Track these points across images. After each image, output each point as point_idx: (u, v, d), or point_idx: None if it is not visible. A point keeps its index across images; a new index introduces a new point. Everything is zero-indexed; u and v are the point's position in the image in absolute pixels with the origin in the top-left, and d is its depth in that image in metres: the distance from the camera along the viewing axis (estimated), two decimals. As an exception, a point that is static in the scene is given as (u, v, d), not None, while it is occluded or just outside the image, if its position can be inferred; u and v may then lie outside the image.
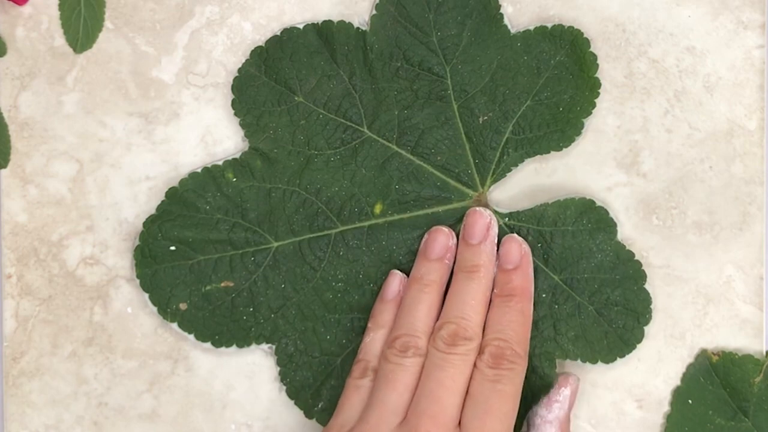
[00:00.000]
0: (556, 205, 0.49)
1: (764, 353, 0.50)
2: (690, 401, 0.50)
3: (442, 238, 0.47)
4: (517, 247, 0.46)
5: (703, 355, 0.50)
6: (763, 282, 0.50)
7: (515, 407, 0.43)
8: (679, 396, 0.50)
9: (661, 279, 0.50)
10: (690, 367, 0.50)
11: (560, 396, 0.45)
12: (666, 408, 0.50)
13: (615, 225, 0.49)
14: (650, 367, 0.50)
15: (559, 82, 0.49)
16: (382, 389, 0.44)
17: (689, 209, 0.51)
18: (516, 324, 0.44)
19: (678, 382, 0.50)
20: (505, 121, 0.49)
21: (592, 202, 0.49)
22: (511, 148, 0.49)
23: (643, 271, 0.48)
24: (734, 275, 0.50)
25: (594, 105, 0.49)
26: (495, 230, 0.47)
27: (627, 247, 0.49)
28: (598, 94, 0.49)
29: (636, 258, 0.48)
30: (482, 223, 0.47)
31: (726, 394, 0.49)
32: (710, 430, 0.49)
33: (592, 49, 0.49)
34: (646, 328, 0.48)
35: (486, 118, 0.49)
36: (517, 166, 0.49)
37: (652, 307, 0.48)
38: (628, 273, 0.48)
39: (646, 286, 0.48)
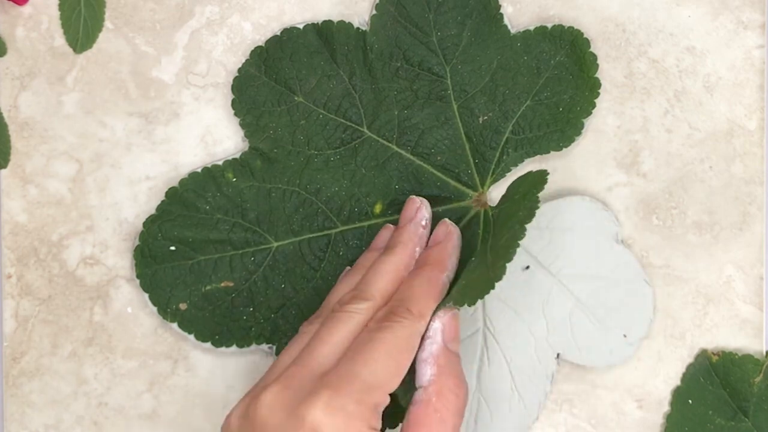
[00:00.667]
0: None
1: (764, 353, 0.50)
2: (690, 401, 0.50)
3: (385, 233, 0.48)
4: (444, 228, 0.47)
5: (703, 355, 0.50)
6: (763, 282, 0.50)
7: (391, 357, 0.42)
8: (679, 396, 0.50)
9: (661, 279, 0.50)
10: (690, 367, 0.50)
11: (430, 331, 0.43)
12: (666, 408, 0.50)
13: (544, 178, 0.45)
14: (650, 367, 0.50)
15: (559, 82, 0.49)
16: (283, 352, 0.45)
17: (689, 209, 0.51)
18: (418, 288, 0.44)
19: (678, 382, 0.50)
20: (505, 120, 0.49)
21: (543, 173, 0.45)
22: (510, 148, 0.49)
23: (534, 212, 0.43)
24: (734, 275, 0.50)
25: (594, 105, 0.49)
26: (423, 213, 0.48)
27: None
28: (598, 94, 0.49)
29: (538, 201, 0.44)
30: (411, 208, 0.48)
31: (726, 394, 0.49)
32: (710, 430, 0.49)
33: (592, 50, 0.49)
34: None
35: (486, 118, 0.49)
36: (516, 165, 0.49)
37: (517, 247, 0.42)
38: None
39: (529, 234, 0.43)
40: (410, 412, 0.42)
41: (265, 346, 0.50)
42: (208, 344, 0.50)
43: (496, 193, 0.51)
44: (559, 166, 0.51)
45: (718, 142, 0.51)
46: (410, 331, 0.43)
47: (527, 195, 0.44)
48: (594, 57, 0.49)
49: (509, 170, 0.49)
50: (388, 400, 0.41)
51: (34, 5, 0.51)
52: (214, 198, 0.50)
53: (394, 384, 0.41)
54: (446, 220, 0.48)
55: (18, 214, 0.51)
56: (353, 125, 0.50)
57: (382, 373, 0.41)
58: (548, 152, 0.49)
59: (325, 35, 0.50)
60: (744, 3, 0.51)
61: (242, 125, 0.50)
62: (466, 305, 0.43)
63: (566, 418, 0.50)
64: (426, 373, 0.42)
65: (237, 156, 0.50)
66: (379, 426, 0.41)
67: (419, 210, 0.48)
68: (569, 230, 0.50)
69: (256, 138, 0.50)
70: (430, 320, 0.44)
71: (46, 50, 0.51)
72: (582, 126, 0.49)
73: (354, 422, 0.40)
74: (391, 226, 0.49)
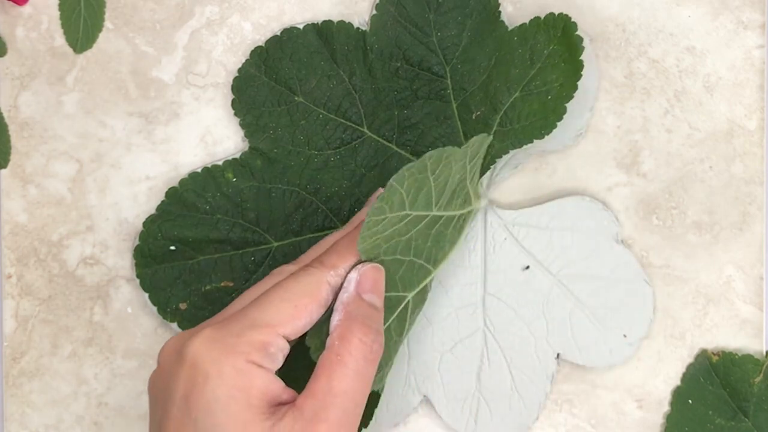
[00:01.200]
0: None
1: (764, 353, 0.50)
2: (690, 401, 0.50)
3: None
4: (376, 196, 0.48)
5: (703, 355, 0.50)
6: (763, 282, 0.50)
7: (286, 301, 0.42)
8: (679, 396, 0.50)
9: (661, 279, 0.50)
10: (690, 367, 0.50)
11: (346, 282, 0.43)
12: (666, 408, 0.50)
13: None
14: (650, 367, 0.50)
15: (552, 70, 0.48)
16: None
17: (689, 209, 0.51)
18: (336, 245, 0.44)
19: (678, 382, 0.50)
20: (494, 113, 0.48)
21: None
22: (497, 140, 0.48)
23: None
24: (734, 275, 0.50)
25: (576, 88, 0.47)
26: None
27: None
28: (581, 76, 0.47)
29: None
30: (373, 196, 0.49)
31: (726, 394, 0.49)
32: (710, 430, 0.49)
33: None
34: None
35: (479, 113, 0.49)
36: (500, 157, 0.48)
37: (391, 193, 0.43)
38: None
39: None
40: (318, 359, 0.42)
41: (265, 346, 0.50)
42: (208, 344, 0.50)
43: (496, 194, 0.51)
44: (559, 166, 0.51)
45: (718, 142, 0.51)
46: (316, 279, 0.42)
47: None
48: (580, 39, 0.47)
49: (494, 162, 0.48)
50: (281, 342, 0.41)
51: (34, 5, 0.51)
52: (214, 198, 0.50)
53: (288, 327, 0.41)
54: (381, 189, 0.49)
55: (18, 214, 0.51)
56: (353, 125, 0.50)
57: (272, 314, 0.41)
58: (531, 141, 0.47)
59: (325, 35, 0.50)
60: (744, 3, 0.51)
61: (242, 125, 0.50)
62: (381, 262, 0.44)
63: (566, 418, 0.50)
64: (334, 320, 0.42)
65: (237, 156, 0.50)
66: (269, 365, 0.40)
67: (374, 196, 0.48)
68: (569, 230, 0.50)
69: (256, 138, 0.50)
70: (350, 273, 0.43)
71: (46, 50, 0.51)
72: (564, 111, 0.47)
73: (231, 354, 0.40)
74: None
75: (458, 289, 0.50)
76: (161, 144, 0.51)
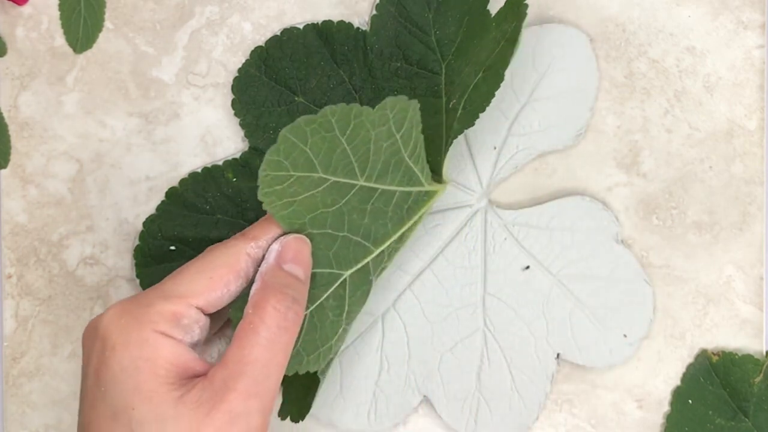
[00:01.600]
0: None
1: (764, 353, 0.50)
2: (690, 401, 0.50)
3: None
4: None
5: (703, 355, 0.50)
6: (763, 282, 0.50)
7: (202, 272, 0.41)
8: (679, 396, 0.50)
9: (661, 279, 0.50)
10: (690, 367, 0.50)
11: (268, 253, 0.43)
12: (666, 408, 0.50)
13: None
14: (650, 367, 0.50)
15: (511, 46, 0.45)
16: None
17: (689, 209, 0.51)
18: (262, 218, 0.44)
19: (678, 382, 0.50)
20: (460, 98, 0.48)
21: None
22: (458, 123, 0.47)
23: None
24: (734, 275, 0.50)
25: (512, 54, 0.45)
26: None
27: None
28: (518, 42, 0.44)
29: None
30: None
31: (726, 394, 0.49)
32: (710, 430, 0.49)
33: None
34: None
35: (454, 101, 0.48)
36: (456, 137, 0.47)
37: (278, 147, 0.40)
38: None
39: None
40: None
41: (265, 346, 0.50)
42: (208, 344, 0.50)
43: (496, 193, 0.51)
44: (559, 166, 0.51)
45: (718, 142, 0.51)
46: (235, 251, 0.42)
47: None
48: (526, 6, 0.45)
49: (450, 144, 0.47)
50: (194, 313, 0.41)
51: (34, 5, 0.51)
52: (214, 198, 0.50)
53: (202, 298, 0.41)
54: None
55: (18, 214, 0.51)
56: (353, 125, 0.50)
57: (186, 285, 0.41)
58: (477, 117, 0.46)
59: (325, 35, 0.50)
60: (744, 3, 0.51)
61: (242, 125, 0.50)
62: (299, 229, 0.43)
63: (566, 418, 0.50)
64: (252, 290, 0.42)
65: (237, 156, 0.50)
66: (180, 336, 0.40)
67: None
68: (569, 230, 0.50)
69: (256, 138, 0.50)
70: (273, 244, 0.43)
71: (46, 50, 0.51)
72: (501, 78, 0.45)
73: (138, 324, 0.39)
74: None
75: (458, 289, 0.50)
76: (161, 144, 0.51)
